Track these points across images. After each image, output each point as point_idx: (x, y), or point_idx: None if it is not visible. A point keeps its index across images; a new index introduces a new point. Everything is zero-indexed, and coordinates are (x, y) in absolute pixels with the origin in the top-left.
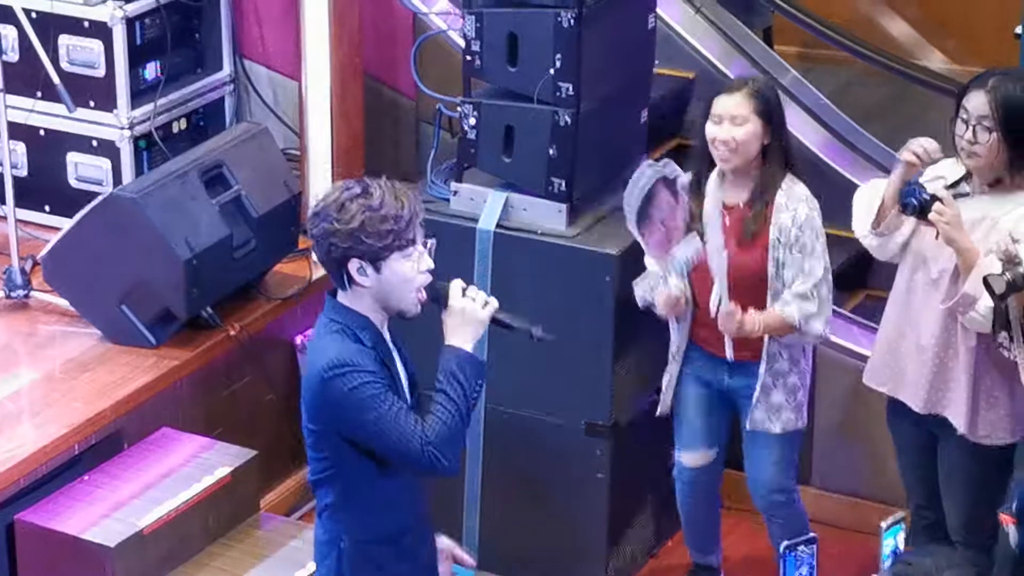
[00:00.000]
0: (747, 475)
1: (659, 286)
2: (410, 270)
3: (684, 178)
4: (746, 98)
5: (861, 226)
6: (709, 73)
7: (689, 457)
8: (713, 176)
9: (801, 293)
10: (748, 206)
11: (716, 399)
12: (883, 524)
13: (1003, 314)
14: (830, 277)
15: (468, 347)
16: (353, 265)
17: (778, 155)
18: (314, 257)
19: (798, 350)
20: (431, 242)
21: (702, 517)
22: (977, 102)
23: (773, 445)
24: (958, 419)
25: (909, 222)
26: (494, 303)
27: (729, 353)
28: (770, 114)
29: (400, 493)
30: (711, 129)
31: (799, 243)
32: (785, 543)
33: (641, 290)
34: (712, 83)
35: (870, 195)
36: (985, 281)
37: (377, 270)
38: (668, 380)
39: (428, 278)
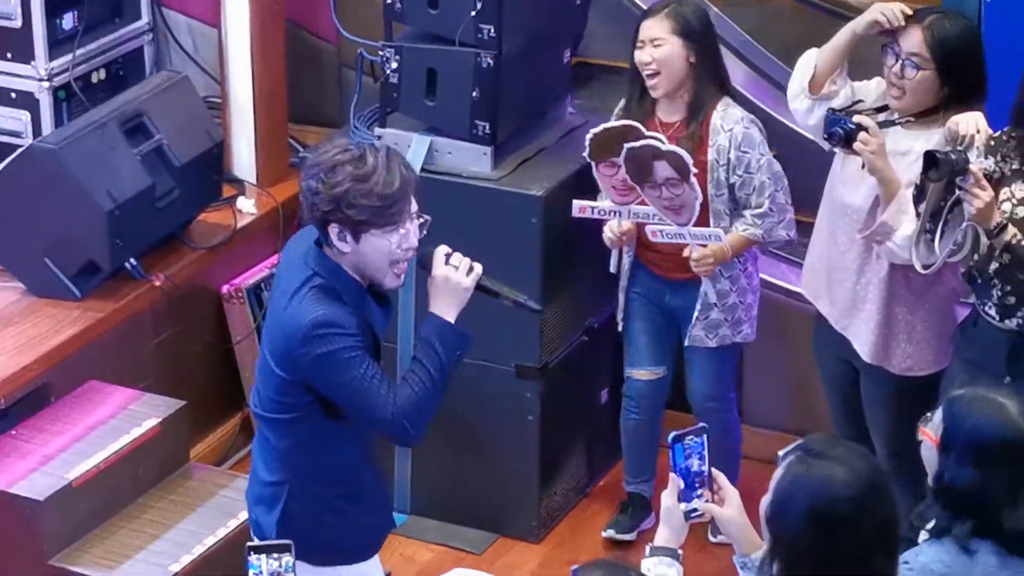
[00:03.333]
0: (687, 391)
1: (611, 221)
2: (389, 247)
3: (623, 153)
4: (665, 19)
5: (796, 86)
6: None
7: (638, 372)
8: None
9: (761, 212)
10: (683, 124)
11: (661, 319)
12: (780, 453)
13: (923, 191)
14: (784, 181)
15: (450, 316)
16: (333, 229)
17: (708, 75)
18: (238, 205)
19: (737, 268)
20: (425, 219)
21: (644, 437)
22: (911, 38)
23: (709, 357)
24: (862, 347)
25: (843, 92)
26: (478, 270)
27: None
28: (692, 33)
29: (354, 441)
30: (636, 54)
31: (742, 163)
32: (673, 433)
33: (580, 203)
34: (609, 2)
35: (813, 58)
36: (929, 154)
37: (356, 240)
38: (620, 299)
39: (408, 255)
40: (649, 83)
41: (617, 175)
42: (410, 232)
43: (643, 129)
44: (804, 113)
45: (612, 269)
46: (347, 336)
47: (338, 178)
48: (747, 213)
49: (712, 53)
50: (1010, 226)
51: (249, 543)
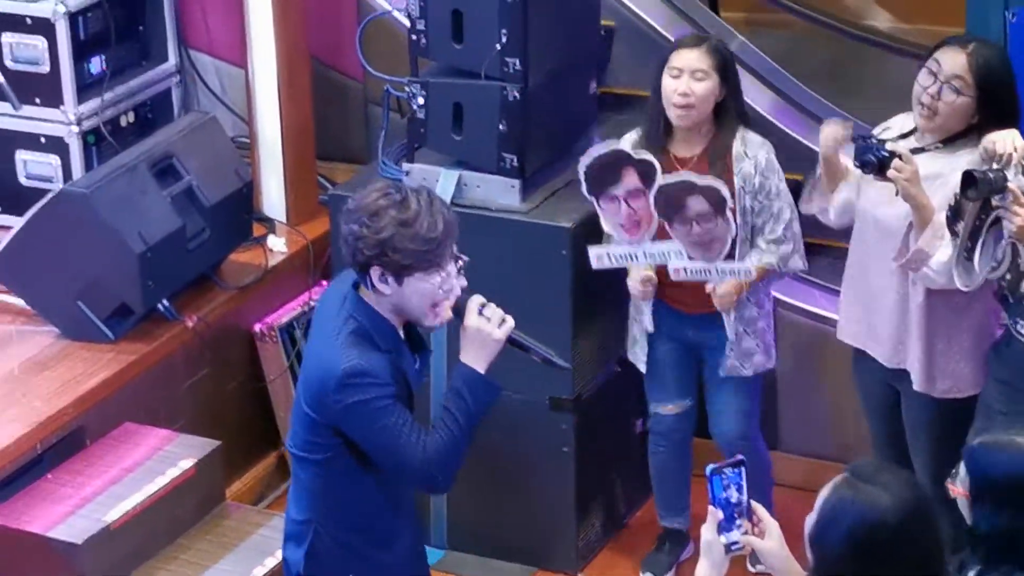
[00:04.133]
0: (711, 425)
1: (631, 266)
2: (431, 289)
3: (652, 190)
4: (707, 54)
5: (805, 207)
6: (630, 22)
7: (665, 408)
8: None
9: (776, 238)
10: (703, 160)
11: (684, 353)
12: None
13: (960, 211)
14: (797, 211)
15: (480, 367)
16: (375, 272)
17: (733, 111)
18: (269, 244)
19: (762, 293)
20: (463, 260)
21: (673, 471)
22: (954, 61)
23: (741, 390)
24: (916, 374)
25: (848, 184)
26: (510, 323)
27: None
28: (726, 71)
29: (384, 490)
30: (670, 83)
31: (764, 189)
32: (711, 466)
33: (596, 252)
34: (633, 32)
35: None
36: (968, 173)
37: (399, 283)
38: (634, 339)
39: (446, 296)
40: (678, 113)
41: (621, 211)
42: (451, 273)
43: (632, 153)
44: (828, 217)
45: (648, 328)
46: (380, 386)
47: (382, 223)
48: (761, 241)
49: (738, 89)
50: None
51: None
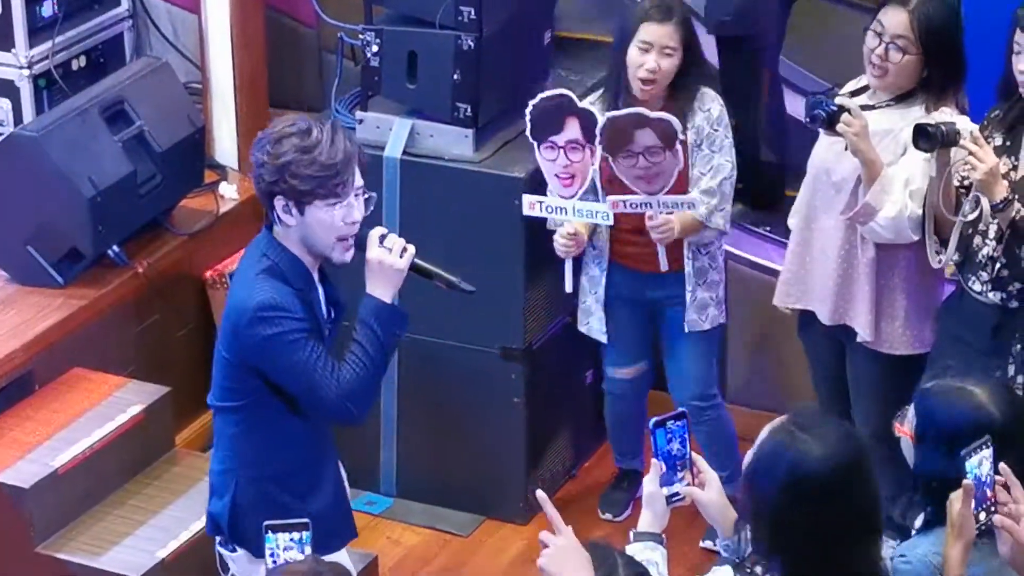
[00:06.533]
0: (671, 388)
1: (560, 228)
2: (332, 220)
3: (602, 122)
4: (676, 28)
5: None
6: None
7: (620, 372)
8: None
9: (707, 189)
10: None
11: (641, 314)
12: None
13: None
14: (734, 176)
15: (386, 297)
16: (279, 202)
17: (693, 77)
18: (220, 191)
19: (715, 246)
20: (370, 195)
21: (630, 426)
22: (896, 20)
23: (700, 344)
24: (863, 328)
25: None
26: (411, 251)
27: (664, 264)
28: (691, 42)
29: (303, 432)
30: (637, 56)
31: (711, 139)
32: (653, 419)
33: (530, 200)
34: None
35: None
36: (919, 126)
37: (301, 212)
38: (588, 311)
39: (353, 230)
40: (642, 87)
41: (558, 160)
42: (354, 207)
43: (576, 101)
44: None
45: (568, 288)
46: (293, 319)
47: (283, 149)
48: (695, 191)
49: (699, 57)
50: (1016, 201)
51: (266, 522)
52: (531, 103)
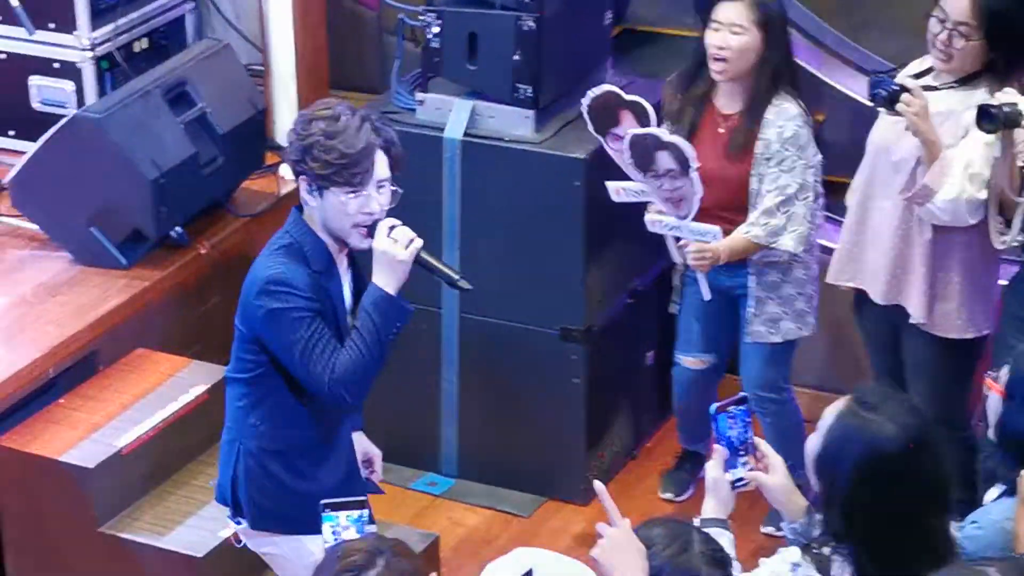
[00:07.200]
0: (740, 371)
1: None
2: (347, 206)
3: (627, 140)
4: (748, 8)
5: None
6: None
7: (687, 360)
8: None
9: (767, 209)
10: (741, 117)
11: (717, 304)
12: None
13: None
14: (809, 196)
15: (390, 288)
16: (303, 182)
17: (771, 68)
18: (281, 172)
19: (789, 259)
20: (395, 190)
21: (695, 412)
22: (958, 6)
23: (766, 351)
24: (916, 309)
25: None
26: (417, 244)
27: (706, 293)
28: (771, 26)
29: (308, 411)
30: (709, 36)
31: (779, 157)
32: (714, 405)
33: (614, 186)
34: None
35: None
36: (982, 107)
37: (320, 194)
38: (676, 288)
39: (369, 219)
40: (714, 67)
41: (663, 187)
42: (372, 198)
43: (622, 95)
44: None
45: (677, 259)
46: (300, 297)
47: (311, 130)
48: (754, 213)
49: (784, 46)
50: None
51: (323, 500)
52: (584, 102)
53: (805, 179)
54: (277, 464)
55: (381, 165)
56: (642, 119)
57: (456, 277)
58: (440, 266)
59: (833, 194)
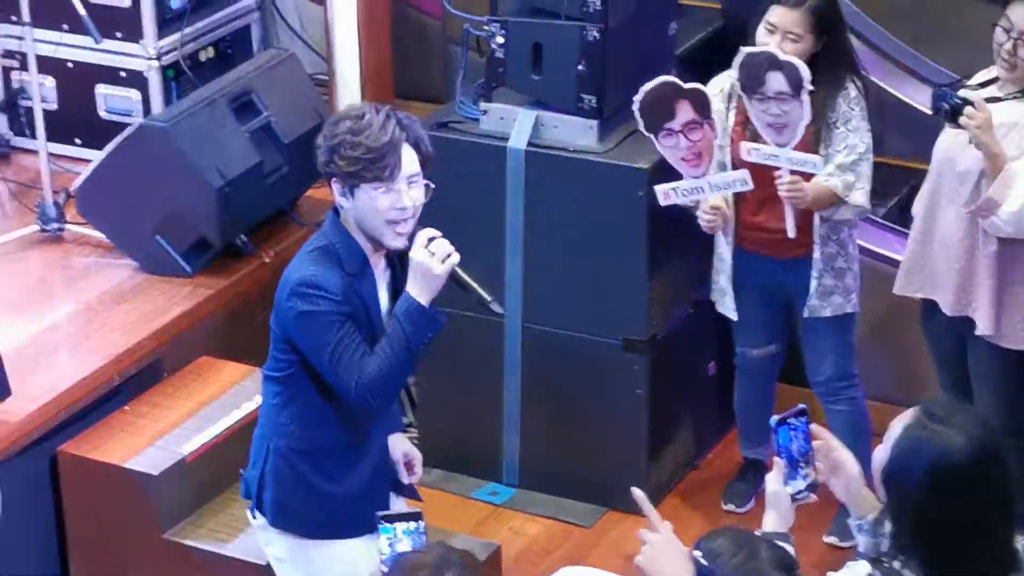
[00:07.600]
0: (809, 372)
1: (701, 200)
2: (378, 202)
3: (739, 58)
4: (805, 13)
5: None
6: None
7: (750, 352)
8: None
9: (841, 164)
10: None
11: (769, 297)
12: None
13: None
14: (871, 156)
15: (423, 299)
16: (336, 185)
17: (832, 65)
18: None
19: (845, 234)
20: (428, 184)
21: (757, 406)
22: (1022, 15)
23: (827, 331)
24: (983, 321)
25: None
26: (454, 259)
27: (791, 230)
28: (827, 29)
29: (337, 413)
30: (763, 37)
31: (845, 117)
32: (775, 417)
33: (663, 189)
34: None
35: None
36: None
37: (352, 194)
38: (723, 291)
39: (403, 215)
40: None
41: (681, 144)
42: (403, 193)
43: (680, 84)
44: None
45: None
46: (331, 301)
47: (338, 130)
48: (829, 165)
49: (841, 44)
50: None
51: (379, 512)
52: (635, 99)
53: (867, 140)
54: (305, 464)
55: (410, 160)
56: (702, 108)
57: (489, 299)
58: (474, 285)
59: (895, 205)
